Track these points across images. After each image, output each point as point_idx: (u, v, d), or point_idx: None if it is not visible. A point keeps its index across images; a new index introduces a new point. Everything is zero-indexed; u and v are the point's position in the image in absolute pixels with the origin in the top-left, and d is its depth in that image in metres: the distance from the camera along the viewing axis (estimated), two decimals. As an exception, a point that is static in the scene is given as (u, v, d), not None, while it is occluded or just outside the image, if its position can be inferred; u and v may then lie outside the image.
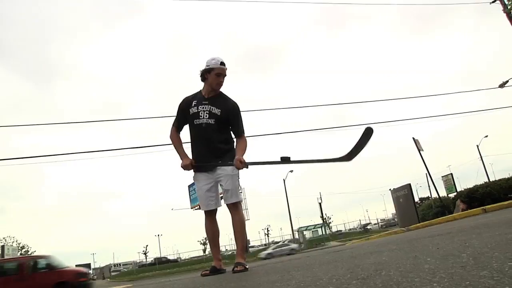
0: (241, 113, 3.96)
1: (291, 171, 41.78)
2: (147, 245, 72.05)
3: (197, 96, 3.94)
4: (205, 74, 3.85)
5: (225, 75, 3.89)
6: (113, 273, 56.10)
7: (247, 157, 3.76)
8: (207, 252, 67.16)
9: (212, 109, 3.81)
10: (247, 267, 3.54)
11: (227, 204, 3.83)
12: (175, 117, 4.04)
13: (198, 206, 37.93)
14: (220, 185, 3.82)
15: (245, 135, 3.94)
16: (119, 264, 68.13)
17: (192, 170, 3.88)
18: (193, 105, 3.87)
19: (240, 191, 3.96)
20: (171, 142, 4.06)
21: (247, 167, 3.67)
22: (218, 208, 3.94)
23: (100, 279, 59.97)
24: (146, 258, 68.86)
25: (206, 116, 3.79)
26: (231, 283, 2.58)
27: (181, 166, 3.86)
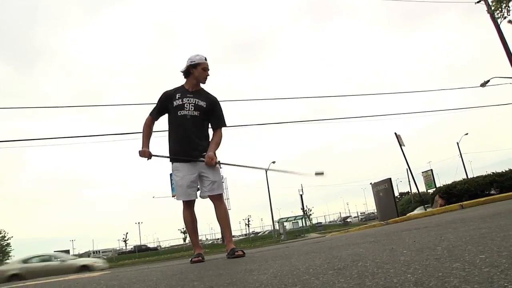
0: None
1: (274, 162, 41.87)
2: (127, 233, 71.56)
3: (180, 90, 4.03)
4: (191, 69, 3.99)
5: (209, 69, 4.06)
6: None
7: (224, 152, 3.89)
8: (187, 241, 67.16)
9: (197, 101, 3.93)
10: (244, 251, 3.69)
11: (211, 196, 3.88)
12: (153, 107, 4.11)
13: (179, 195, 37.73)
14: (205, 177, 3.86)
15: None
16: (99, 251, 67.58)
17: (169, 161, 4.01)
18: (177, 97, 3.95)
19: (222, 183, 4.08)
20: (142, 129, 4.11)
21: (219, 166, 3.79)
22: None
23: (79, 265, 59.32)
24: (126, 245, 68.44)
25: (191, 108, 3.90)
26: (209, 270, 2.58)
27: (139, 152, 4.00)
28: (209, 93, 4.08)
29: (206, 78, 4.04)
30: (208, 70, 4.04)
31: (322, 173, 4.15)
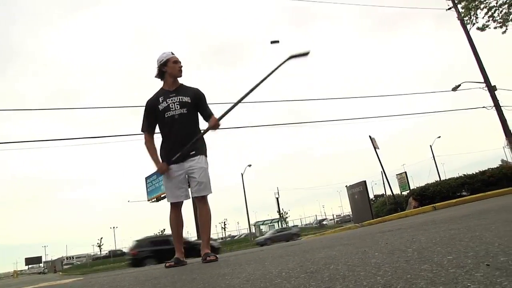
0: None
1: (249, 165, 41.91)
2: (101, 238, 70.40)
3: (161, 93, 3.95)
4: (162, 68, 3.92)
5: (180, 62, 3.98)
6: (65, 266, 54.44)
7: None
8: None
9: (181, 98, 3.85)
10: (217, 256, 3.65)
11: (195, 197, 3.82)
12: (142, 122, 3.99)
13: (155, 199, 37.43)
14: (192, 177, 3.79)
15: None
16: (72, 257, 66.23)
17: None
18: (160, 101, 3.87)
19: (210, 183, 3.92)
20: (146, 150, 3.99)
21: (218, 126, 3.82)
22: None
23: (52, 272, 58.20)
24: (100, 250, 67.29)
25: (177, 107, 3.82)
26: (183, 275, 2.56)
27: (158, 171, 3.88)
28: (190, 87, 4.00)
29: (180, 69, 3.95)
30: (180, 61, 3.97)
31: (277, 41, 4.02)
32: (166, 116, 3.82)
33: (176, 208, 3.92)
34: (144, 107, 3.98)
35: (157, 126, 3.98)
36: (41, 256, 76.48)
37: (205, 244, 3.81)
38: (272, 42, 3.93)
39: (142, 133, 4.03)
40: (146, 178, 38.73)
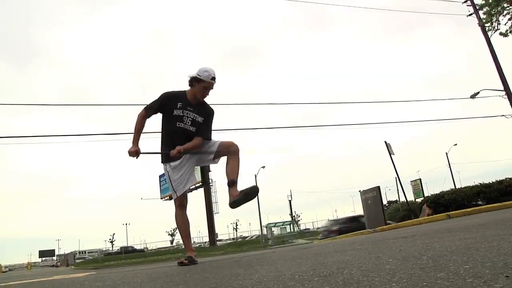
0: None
1: (263, 167, 41.89)
2: (114, 234, 71.08)
3: (182, 98, 3.94)
4: (194, 82, 3.90)
5: (212, 89, 3.96)
6: (77, 261, 54.98)
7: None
8: (174, 243, 66.76)
9: (195, 117, 3.92)
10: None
11: (218, 152, 3.92)
12: (152, 103, 3.96)
13: (168, 197, 37.57)
14: (203, 151, 3.95)
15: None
16: (85, 251, 67.03)
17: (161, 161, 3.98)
18: (178, 107, 3.90)
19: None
20: (135, 123, 3.96)
21: (180, 155, 3.81)
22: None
23: (64, 265, 58.87)
24: (112, 246, 67.93)
25: (189, 122, 3.90)
26: (195, 274, 2.57)
27: (128, 151, 3.84)
28: (208, 107, 4.05)
29: (205, 97, 3.97)
30: (211, 89, 3.94)
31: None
32: (177, 125, 3.88)
33: (181, 207, 3.98)
34: (161, 95, 3.96)
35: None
36: (54, 250, 77.48)
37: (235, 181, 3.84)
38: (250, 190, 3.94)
39: (144, 109, 3.99)
40: (160, 176, 39.01)
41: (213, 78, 3.88)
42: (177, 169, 3.89)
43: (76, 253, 62.87)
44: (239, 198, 3.71)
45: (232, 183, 3.76)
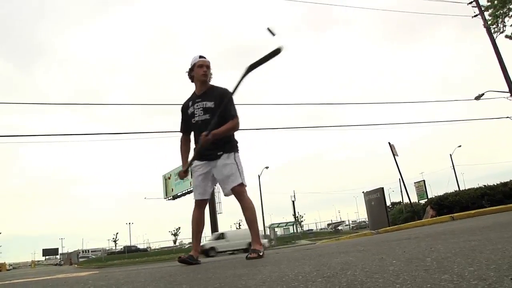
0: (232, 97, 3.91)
1: (267, 167, 41.88)
2: (117, 233, 71.44)
3: (191, 97, 4.06)
4: (191, 73, 4.00)
5: (208, 65, 3.98)
6: (81, 259, 55.22)
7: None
8: (177, 243, 66.86)
9: (205, 104, 3.89)
10: (261, 254, 3.53)
11: (228, 192, 3.82)
12: (180, 124, 4.15)
13: (171, 197, 37.64)
14: (215, 177, 3.88)
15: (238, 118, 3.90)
16: (88, 250, 67.16)
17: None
18: (189, 105, 3.99)
19: (241, 174, 3.87)
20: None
21: (209, 141, 3.69)
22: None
23: (67, 264, 59.12)
24: (115, 245, 68.17)
25: (201, 113, 3.89)
26: (198, 274, 2.57)
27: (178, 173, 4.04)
28: (217, 88, 3.98)
29: (205, 74, 3.93)
30: (205, 65, 3.95)
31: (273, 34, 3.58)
32: (193, 121, 3.93)
33: (199, 207, 3.97)
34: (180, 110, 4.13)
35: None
36: (58, 248, 77.86)
37: (253, 238, 3.79)
38: (269, 30, 3.57)
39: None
40: (163, 176, 39.08)
41: (201, 56, 4.00)
42: (198, 172, 3.90)
43: (80, 252, 63.07)
44: (259, 59, 3.64)
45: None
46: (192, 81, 4.06)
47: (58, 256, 75.80)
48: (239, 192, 3.81)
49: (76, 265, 45.83)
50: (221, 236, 28.51)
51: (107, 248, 66.41)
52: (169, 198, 38.14)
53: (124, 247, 59.79)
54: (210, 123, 3.75)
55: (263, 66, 3.66)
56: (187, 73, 4.04)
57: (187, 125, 4.06)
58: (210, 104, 3.87)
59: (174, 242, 67.22)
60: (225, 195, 3.90)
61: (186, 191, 34.54)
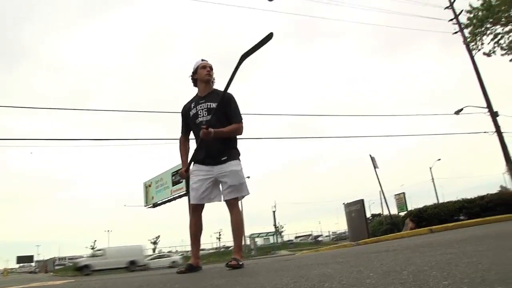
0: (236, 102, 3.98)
1: (248, 177, 41.78)
2: (95, 240, 69.77)
3: (194, 99, 4.07)
4: (194, 76, 4.05)
5: (211, 67, 4.06)
6: (57, 267, 54.08)
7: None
8: (156, 252, 66.03)
9: (209, 105, 3.89)
10: (240, 263, 3.50)
11: (225, 200, 3.80)
12: (181, 126, 4.18)
13: (152, 205, 37.25)
14: (223, 182, 3.81)
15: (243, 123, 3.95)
16: (65, 258, 65.80)
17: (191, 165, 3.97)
18: (192, 107, 3.99)
19: (246, 185, 3.91)
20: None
21: (209, 135, 3.65)
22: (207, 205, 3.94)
23: (43, 272, 57.77)
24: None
25: (205, 114, 3.88)
26: (176, 284, 2.54)
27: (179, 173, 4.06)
28: (221, 92, 3.93)
29: (209, 74, 3.99)
30: (208, 66, 4.03)
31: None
32: (196, 122, 3.91)
33: (196, 211, 3.90)
34: (180, 112, 4.15)
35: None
36: (33, 256, 75.96)
37: (235, 249, 3.81)
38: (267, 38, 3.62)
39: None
40: (144, 183, 38.67)
41: (203, 60, 4.08)
42: (197, 177, 3.86)
43: (56, 260, 61.78)
44: (252, 47, 3.64)
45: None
46: (194, 85, 4.09)
47: (33, 264, 74.05)
48: (234, 203, 3.83)
49: (51, 273, 44.85)
50: (100, 253, 27.64)
51: (85, 256, 65.24)
52: (149, 206, 37.70)
53: (102, 255, 58.75)
54: (214, 124, 3.74)
55: (253, 55, 3.67)
56: (190, 77, 4.09)
57: (187, 126, 4.08)
58: (214, 105, 3.84)
59: (154, 250, 66.32)
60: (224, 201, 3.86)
61: (167, 199, 34.25)
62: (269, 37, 3.58)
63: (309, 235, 72.58)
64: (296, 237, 70.42)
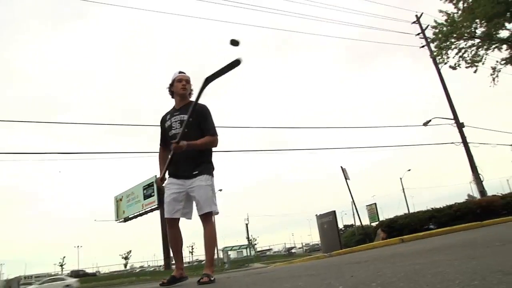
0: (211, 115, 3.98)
1: (220, 190, 41.59)
2: (64, 257, 68.01)
3: (170, 111, 4.08)
4: (171, 88, 4.06)
5: (188, 80, 4.05)
6: (22, 286, 52.20)
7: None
8: (128, 267, 64.67)
9: (182, 117, 3.86)
10: (212, 279, 3.47)
11: (199, 215, 3.77)
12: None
13: (123, 219, 36.59)
14: (192, 196, 3.78)
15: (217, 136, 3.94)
16: (31, 276, 63.53)
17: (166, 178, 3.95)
18: (167, 118, 4.01)
19: (214, 201, 3.84)
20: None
21: (181, 148, 3.60)
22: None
23: (7, 292, 55.55)
24: (62, 270, 64.95)
25: (178, 126, 3.87)
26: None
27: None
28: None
29: (184, 88, 3.98)
30: (184, 79, 4.01)
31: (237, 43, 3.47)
32: (170, 134, 3.91)
33: (172, 225, 3.86)
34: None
35: None
36: (-3, 275, 73.13)
37: (206, 264, 3.74)
38: (233, 42, 3.46)
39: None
40: (115, 197, 37.99)
41: (180, 72, 4.07)
42: (171, 190, 3.83)
43: (22, 278, 59.59)
44: (217, 71, 3.52)
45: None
46: (172, 97, 4.10)
47: (-4, 283, 71.25)
48: (207, 218, 3.78)
49: (17, 293, 43.15)
50: None
51: (53, 273, 63.18)
52: (121, 220, 37.08)
53: (71, 271, 57.12)
54: (187, 136, 3.67)
55: (221, 78, 3.57)
56: (167, 89, 4.09)
57: (165, 137, 4.06)
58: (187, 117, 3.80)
59: (125, 266, 64.92)
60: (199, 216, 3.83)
61: (138, 213, 33.76)
62: (236, 62, 3.47)
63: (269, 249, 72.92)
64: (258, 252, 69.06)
